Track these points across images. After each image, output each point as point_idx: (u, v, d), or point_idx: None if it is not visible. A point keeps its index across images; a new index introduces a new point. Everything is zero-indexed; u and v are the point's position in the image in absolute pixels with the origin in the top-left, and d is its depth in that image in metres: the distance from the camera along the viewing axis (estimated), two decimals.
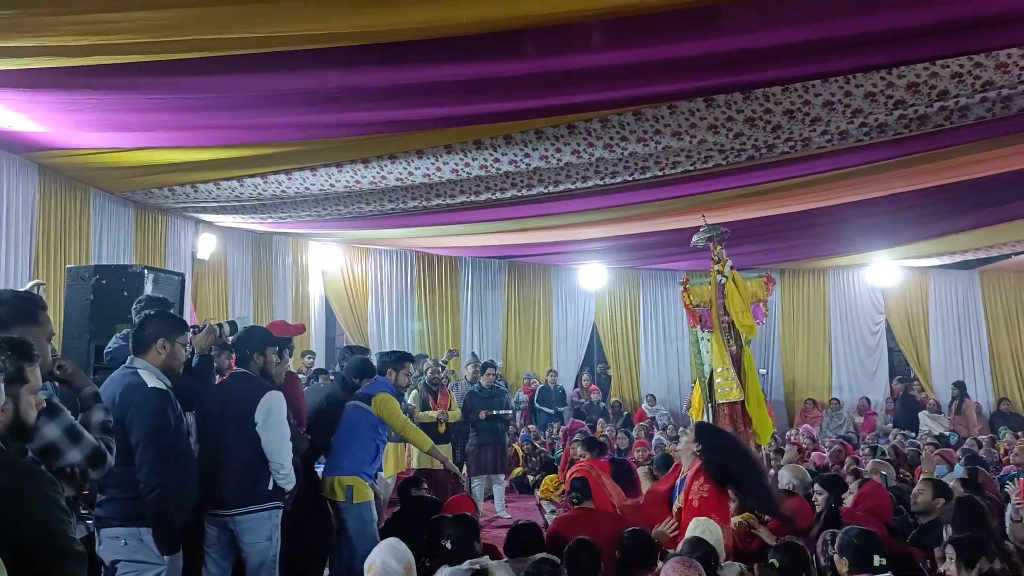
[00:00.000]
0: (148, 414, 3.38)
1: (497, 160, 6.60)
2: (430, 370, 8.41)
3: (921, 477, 6.30)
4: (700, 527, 4.13)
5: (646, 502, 5.10)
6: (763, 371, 12.99)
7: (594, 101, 5.60)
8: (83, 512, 3.48)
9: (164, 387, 3.50)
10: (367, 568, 3.41)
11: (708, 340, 6.52)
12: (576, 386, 13.97)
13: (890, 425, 12.81)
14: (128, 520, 3.37)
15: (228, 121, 6.10)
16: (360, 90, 5.43)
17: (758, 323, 6.58)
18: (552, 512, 6.53)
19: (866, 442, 10.38)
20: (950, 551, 3.56)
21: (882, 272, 14.32)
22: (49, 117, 5.93)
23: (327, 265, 12.48)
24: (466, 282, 13.97)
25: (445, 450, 8.02)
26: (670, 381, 14.82)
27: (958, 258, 13.07)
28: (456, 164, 6.73)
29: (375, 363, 5.73)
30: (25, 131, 6.13)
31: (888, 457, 7.96)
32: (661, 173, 6.85)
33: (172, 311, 4.46)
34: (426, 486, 6.14)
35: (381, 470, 6.58)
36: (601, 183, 7.22)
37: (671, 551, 4.07)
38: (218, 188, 7.79)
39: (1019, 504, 4.87)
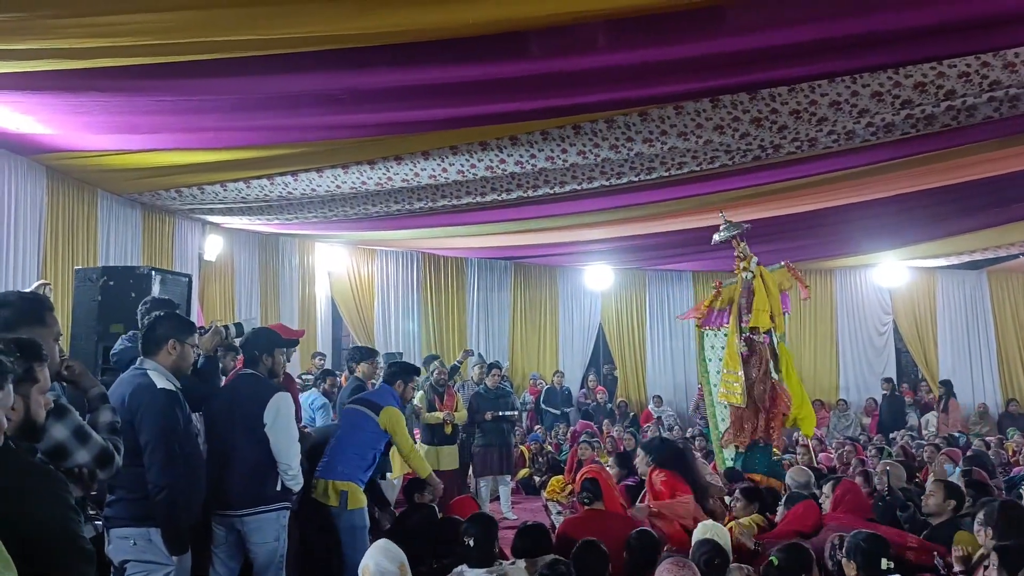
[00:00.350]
0: (157, 415, 3.39)
1: (503, 161, 6.60)
2: (436, 371, 8.42)
3: (931, 479, 6.27)
4: (709, 530, 4.14)
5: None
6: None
7: (600, 102, 5.59)
8: (91, 512, 3.50)
9: (173, 388, 3.51)
10: (361, 573, 3.42)
11: (722, 336, 6.51)
12: (582, 387, 13.97)
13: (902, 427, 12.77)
14: (137, 520, 3.39)
15: (234, 123, 6.12)
16: (366, 91, 5.44)
17: (786, 312, 6.57)
18: (559, 513, 6.52)
19: (873, 443, 10.35)
20: (993, 558, 3.49)
21: (889, 272, 14.27)
22: (56, 119, 5.96)
23: (333, 266, 12.50)
24: (472, 283, 13.98)
25: (451, 451, 8.07)
26: (676, 382, 14.78)
27: (966, 258, 13.02)
28: (462, 165, 6.73)
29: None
30: (33, 133, 6.16)
31: (896, 458, 7.95)
32: (667, 174, 6.84)
33: (179, 312, 4.47)
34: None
35: (391, 471, 6.61)
36: (607, 184, 7.21)
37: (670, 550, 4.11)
38: (225, 190, 7.81)
39: None
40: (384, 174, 7.02)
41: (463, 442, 8.32)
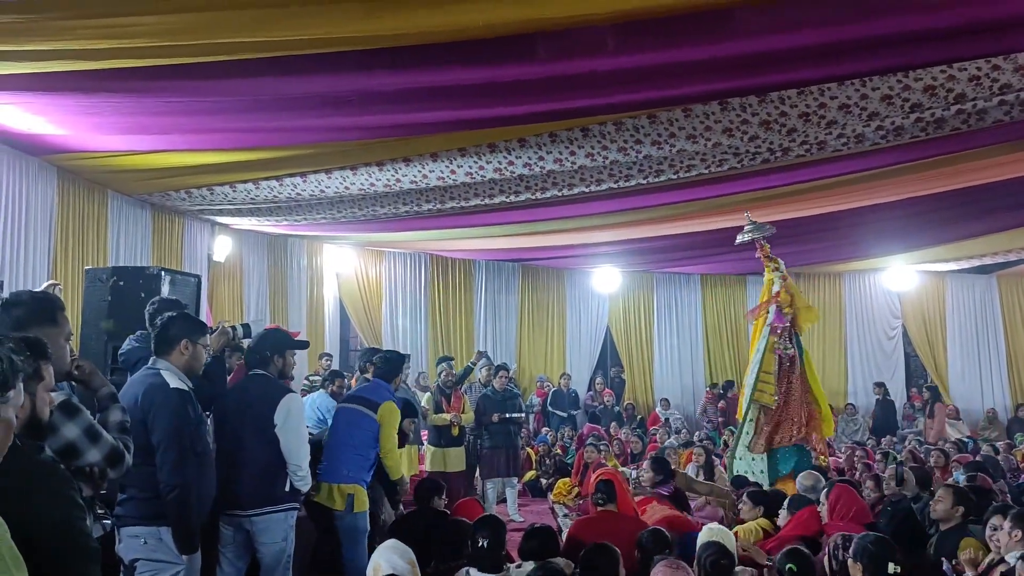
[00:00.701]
0: (170, 414, 3.40)
1: (511, 163, 6.60)
2: (444, 373, 8.42)
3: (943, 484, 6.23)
4: (715, 533, 4.13)
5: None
6: None
7: (608, 104, 5.58)
8: (100, 512, 3.51)
9: (186, 388, 3.53)
10: (371, 572, 3.43)
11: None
12: (589, 389, 13.94)
13: (907, 430, 12.72)
14: (148, 519, 3.40)
15: (243, 124, 6.14)
16: (374, 93, 5.45)
17: (780, 325, 6.59)
18: (565, 516, 6.52)
19: (880, 448, 10.31)
20: (1020, 566, 3.47)
21: (898, 276, 14.22)
22: (67, 120, 5.99)
23: (341, 267, 12.53)
24: (480, 285, 13.99)
25: (458, 453, 8.06)
26: (684, 384, 14.76)
27: (975, 262, 12.96)
28: (470, 167, 6.74)
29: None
30: (43, 134, 6.20)
31: (908, 464, 7.89)
32: (676, 176, 6.83)
33: (187, 312, 4.49)
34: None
35: None
36: (615, 186, 7.20)
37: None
38: (234, 191, 7.84)
39: None
40: (392, 176, 7.04)
41: (470, 444, 8.32)
